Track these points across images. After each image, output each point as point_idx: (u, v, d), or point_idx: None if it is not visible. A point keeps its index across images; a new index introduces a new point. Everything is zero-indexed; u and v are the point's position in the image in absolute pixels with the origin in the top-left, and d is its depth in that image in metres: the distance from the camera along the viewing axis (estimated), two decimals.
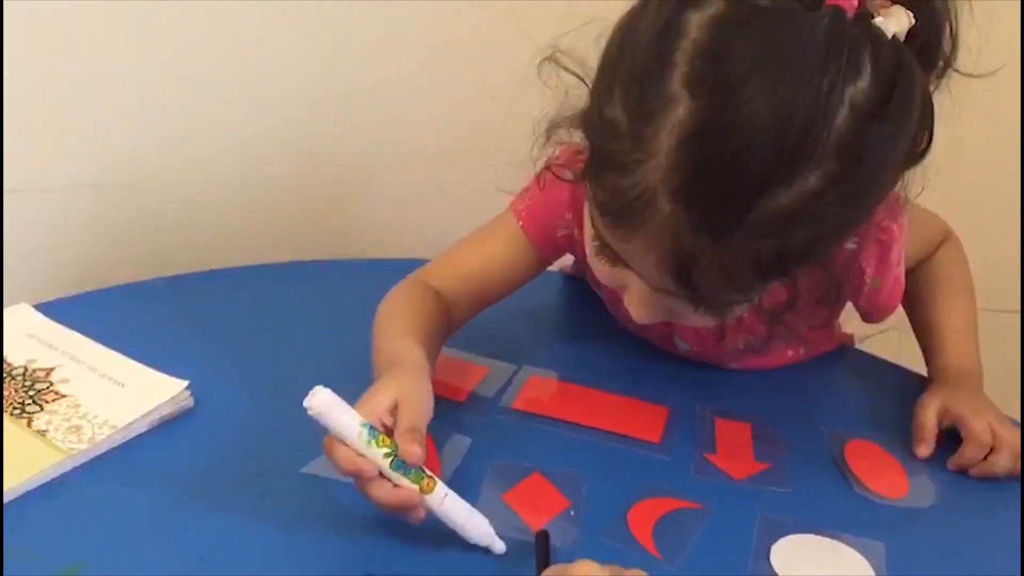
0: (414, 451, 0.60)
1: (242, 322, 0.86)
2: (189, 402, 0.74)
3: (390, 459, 0.60)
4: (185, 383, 0.74)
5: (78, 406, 0.72)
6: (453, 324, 0.80)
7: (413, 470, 0.60)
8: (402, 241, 1.20)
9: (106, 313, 0.85)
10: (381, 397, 0.63)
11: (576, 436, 0.75)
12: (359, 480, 0.61)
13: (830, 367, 0.91)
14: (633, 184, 0.57)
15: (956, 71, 0.64)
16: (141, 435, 0.71)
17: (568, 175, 0.70)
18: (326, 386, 0.60)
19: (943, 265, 0.88)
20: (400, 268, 0.92)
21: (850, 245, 0.73)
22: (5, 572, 0.58)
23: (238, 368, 0.79)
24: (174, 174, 1.09)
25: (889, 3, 0.60)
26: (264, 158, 1.14)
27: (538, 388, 0.80)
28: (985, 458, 0.74)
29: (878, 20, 0.58)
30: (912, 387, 0.84)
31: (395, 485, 0.61)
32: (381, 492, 0.60)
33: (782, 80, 0.54)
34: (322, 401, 0.59)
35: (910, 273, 0.84)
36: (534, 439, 0.74)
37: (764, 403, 0.81)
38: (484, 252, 0.82)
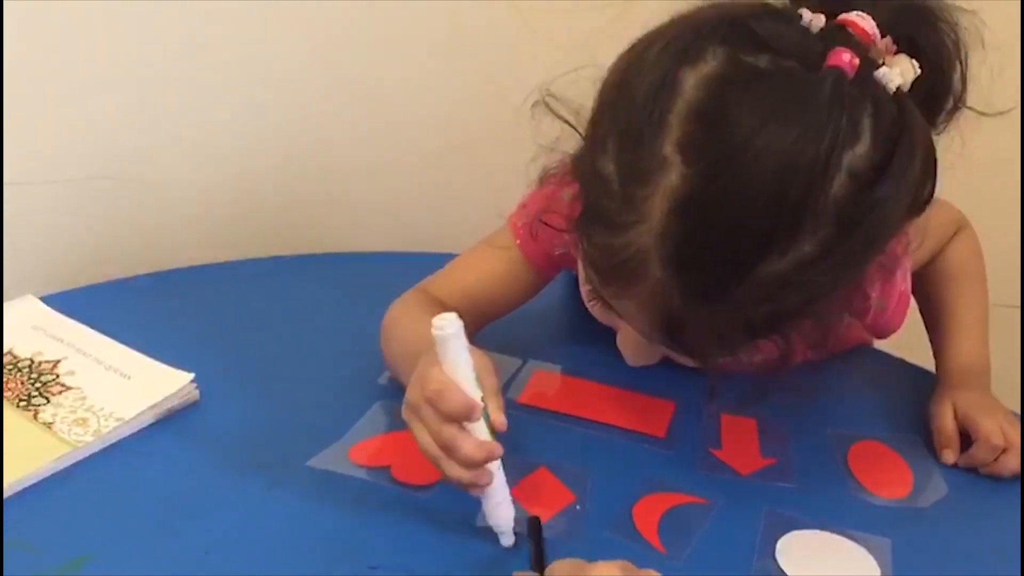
0: (503, 419, 0.60)
1: (248, 315, 0.87)
2: (195, 395, 0.74)
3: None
4: (191, 376, 0.74)
5: (84, 398, 0.72)
6: None
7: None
8: (407, 236, 1.20)
9: (112, 306, 0.85)
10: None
11: (582, 431, 0.75)
12: (450, 431, 0.58)
13: (838, 363, 0.89)
14: (624, 245, 0.56)
15: (968, 108, 0.63)
16: (146, 428, 0.71)
17: (560, 224, 0.67)
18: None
19: (955, 260, 0.86)
20: (406, 261, 0.92)
21: None
22: (10, 564, 0.58)
23: (244, 361, 0.79)
24: (180, 168, 1.09)
25: (894, 49, 0.58)
26: (268, 153, 1.13)
27: (543, 382, 0.80)
28: (995, 459, 0.74)
29: (881, 72, 0.56)
30: (920, 383, 0.83)
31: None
32: (471, 444, 0.58)
33: (779, 148, 0.52)
34: (454, 329, 0.57)
35: (922, 268, 0.84)
36: (540, 434, 0.74)
37: (770, 399, 0.81)
38: (484, 269, 0.81)
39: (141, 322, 0.82)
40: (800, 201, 0.52)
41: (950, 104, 0.63)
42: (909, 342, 0.86)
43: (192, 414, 0.73)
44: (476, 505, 0.62)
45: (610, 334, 0.88)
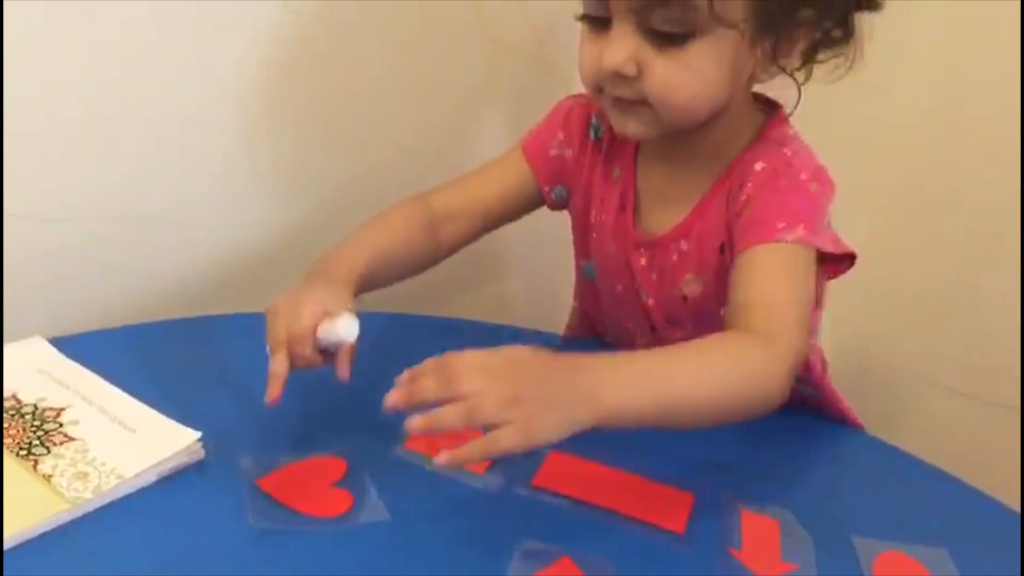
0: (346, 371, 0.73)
1: (261, 369, 0.84)
2: (200, 454, 0.72)
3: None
4: (198, 435, 0.72)
5: (86, 451, 0.70)
6: (444, 242, 0.90)
7: None
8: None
9: (122, 352, 0.83)
10: (325, 298, 0.74)
11: (601, 520, 0.72)
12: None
13: (855, 457, 0.89)
14: None
15: None
16: (149, 486, 0.69)
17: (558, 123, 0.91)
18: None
19: (726, 340, 0.73)
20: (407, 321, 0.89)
21: (758, 166, 0.80)
22: None
23: (252, 417, 0.77)
24: (212, 213, 1.07)
25: None
26: (294, 203, 1.12)
27: (558, 465, 0.78)
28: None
29: None
30: (932, 482, 0.82)
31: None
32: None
33: None
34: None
35: (728, 312, 0.77)
36: (559, 519, 0.71)
37: (788, 497, 0.79)
38: (485, 170, 0.93)
39: (150, 371, 0.80)
40: None
41: None
42: (939, 447, 0.84)
43: (197, 473, 0.71)
44: None
45: None
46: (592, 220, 0.92)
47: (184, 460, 0.71)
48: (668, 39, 0.74)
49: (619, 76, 0.77)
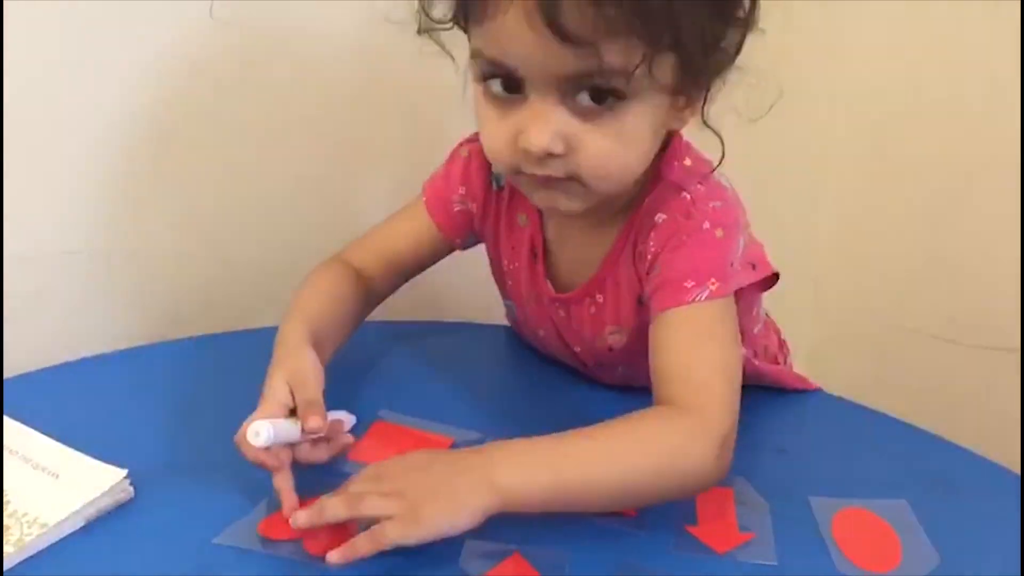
0: (315, 422, 0.68)
1: (187, 399, 0.81)
2: (129, 493, 0.69)
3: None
4: (124, 472, 0.69)
5: (8, 503, 0.67)
6: (373, 295, 0.89)
7: None
8: None
9: (41, 395, 0.80)
10: (277, 389, 0.70)
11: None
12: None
13: (806, 418, 0.88)
14: None
15: None
16: (76, 532, 0.66)
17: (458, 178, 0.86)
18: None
19: (647, 420, 0.70)
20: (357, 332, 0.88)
21: (658, 218, 0.76)
22: None
23: (182, 451, 0.74)
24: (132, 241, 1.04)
25: None
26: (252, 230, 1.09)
27: None
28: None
29: None
30: (908, 439, 0.81)
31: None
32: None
33: None
34: (268, 434, 0.66)
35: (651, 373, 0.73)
36: (506, 516, 0.68)
37: (744, 464, 0.77)
38: (394, 226, 0.90)
39: (74, 413, 0.77)
40: None
41: None
42: (892, 396, 0.83)
43: (125, 514, 0.68)
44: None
45: (572, 406, 0.84)
46: (506, 267, 0.89)
47: (112, 500, 0.68)
48: (597, 109, 0.68)
49: (546, 155, 0.69)
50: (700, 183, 0.77)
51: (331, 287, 0.85)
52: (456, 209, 0.88)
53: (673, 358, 0.72)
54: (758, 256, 0.80)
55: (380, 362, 0.90)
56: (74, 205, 0.99)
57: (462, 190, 0.87)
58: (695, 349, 0.72)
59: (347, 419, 0.76)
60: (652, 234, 0.76)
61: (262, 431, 0.66)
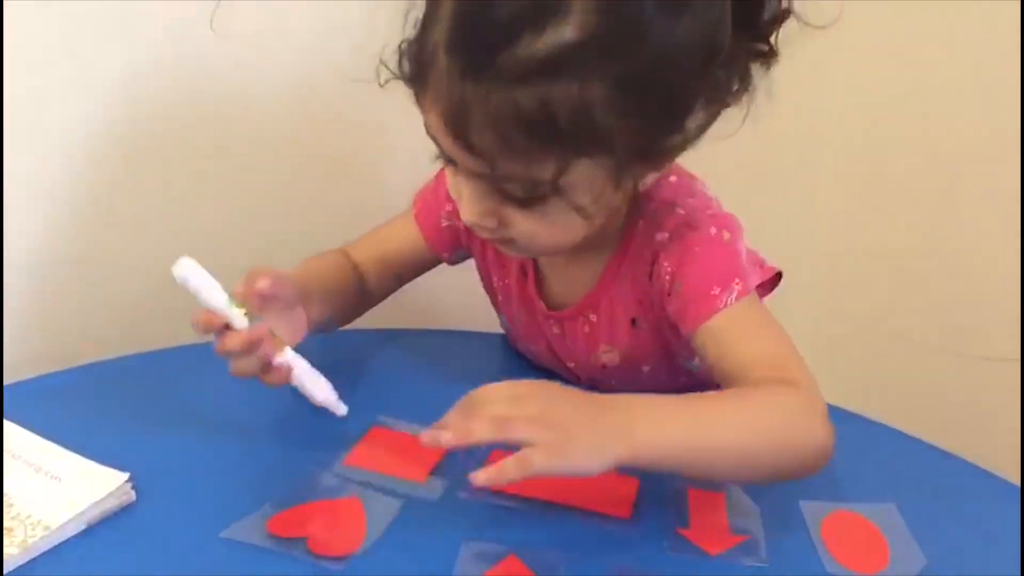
0: (261, 283, 0.72)
1: (188, 405, 0.82)
2: (131, 496, 0.70)
3: (247, 316, 0.72)
4: (126, 476, 0.69)
5: (11, 505, 0.68)
6: (366, 286, 0.91)
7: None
8: None
9: (44, 401, 0.80)
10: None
11: (544, 514, 0.71)
12: (217, 341, 0.72)
13: None
14: (423, 47, 0.65)
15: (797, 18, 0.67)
16: (79, 534, 0.66)
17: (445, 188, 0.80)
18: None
19: (760, 394, 0.70)
20: (354, 338, 0.89)
21: (661, 236, 0.77)
22: None
23: (183, 455, 0.75)
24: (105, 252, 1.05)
25: None
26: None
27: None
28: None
29: None
30: (895, 445, 0.82)
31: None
32: (234, 339, 0.71)
33: None
34: (186, 267, 0.71)
35: (724, 380, 0.74)
36: (503, 518, 0.70)
37: None
38: (388, 230, 0.92)
39: (75, 418, 0.78)
40: None
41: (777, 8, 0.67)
42: (883, 402, 0.85)
43: (128, 517, 0.68)
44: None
45: None
46: (496, 284, 0.90)
47: (114, 504, 0.68)
48: (523, 199, 0.68)
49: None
50: (690, 197, 0.78)
51: (321, 261, 0.89)
52: (444, 225, 0.90)
53: (741, 351, 0.72)
54: (758, 259, 0.81)
55: (378, 368, 0.91)
56: (69, 214, 1.00)
57: (448, 207, 0.88)
58: (756, 340, 0.73)
59: (324, 388, 0.75)
60: (662, 256, 0.76)
61: (183, 263, 0.70)
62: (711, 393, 0.71)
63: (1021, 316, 1.19)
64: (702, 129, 0.68)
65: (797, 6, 0.67)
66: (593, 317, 0.83)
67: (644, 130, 0.65)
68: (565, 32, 0.60)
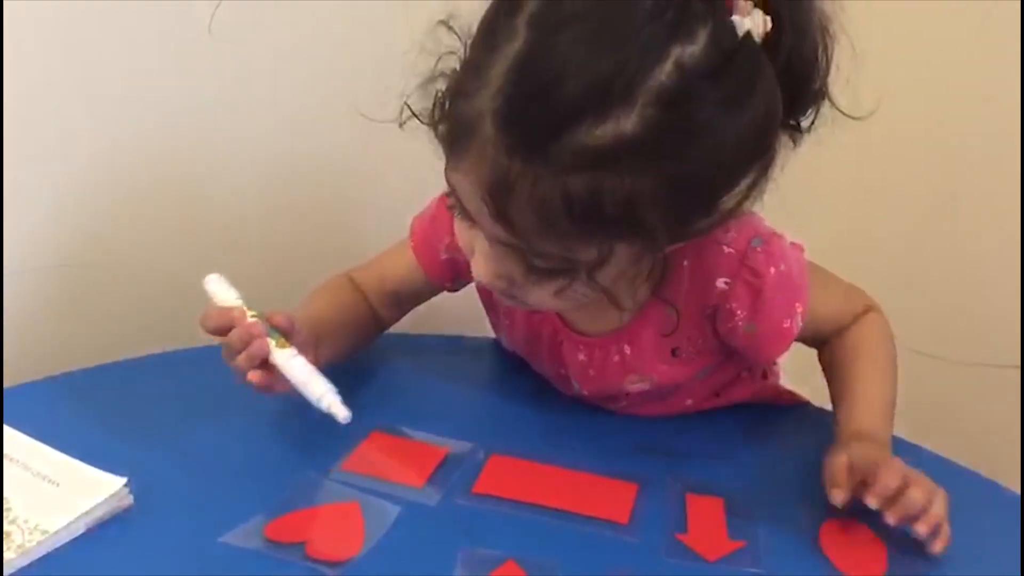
0: (279, 318, 0.73)
1: (186, 409, 0.82)
2: (128, 500, 0.69)
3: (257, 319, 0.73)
4: (123, 480, 0.69)
5: (9, 510, 0.68)
6: (375, 314, 0.90)
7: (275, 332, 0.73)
8: None
9: (41, 405, 0.80)
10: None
11: (543, 519, 0.71)
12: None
13: (795, 431, 0.89)
14: (466, 109, 0.60)
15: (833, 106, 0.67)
16: (76, 539, 0.66)
17: (447, 223, 0.76)
18: None
19: (863, 338, 0.85)
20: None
21: (721, 284, 0.75)
22: None
23: (181, 460, 0.75)
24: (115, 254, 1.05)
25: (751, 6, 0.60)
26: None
27: (500, 469, 0.77)
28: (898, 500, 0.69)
29: (734, 18, 0.58)
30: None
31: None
32: (234, 333, 0.71)
33: (608, 25, 0.57)
34: (218, 281, 0.74)
35: (827, 342, 0.86)
36: (501, 524, 0.70)
37: (734, 475, 0.78)
38: (387, 264, 0.90)
39: (70, 422, 0.78)
40: (617, 72, 0.56)
41: (815, 85, 0.65)
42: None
43: (125, 522, 0.68)
44: None
45: (566, 417, 0.85)
46: (502, 309, 0.87)
47: (112, 508, 0.68)
48: (549, 273, 0.66)
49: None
50: (730, 233, 0.75)
51: (332, 296, 0.88)
52: (443, 258, 0.86)
53: (821, 317, 0.82)
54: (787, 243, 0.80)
55: (377, 374, 0.91)
56: (69, 217, 1.00)
57: (447, 239, 0.83)
58: (824, 304, 0.82)
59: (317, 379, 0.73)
60: (734, 304, 0.76)
61: (214, 276, 0.74)
62: (861, 378, 0.82)
63: (1021, 323, 1.19)
64: (732, 213, 0.65)
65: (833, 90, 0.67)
66: (627, 349, 0.80)
67: (683, 218, 0.64)
68: (626, 124, 0.56)
